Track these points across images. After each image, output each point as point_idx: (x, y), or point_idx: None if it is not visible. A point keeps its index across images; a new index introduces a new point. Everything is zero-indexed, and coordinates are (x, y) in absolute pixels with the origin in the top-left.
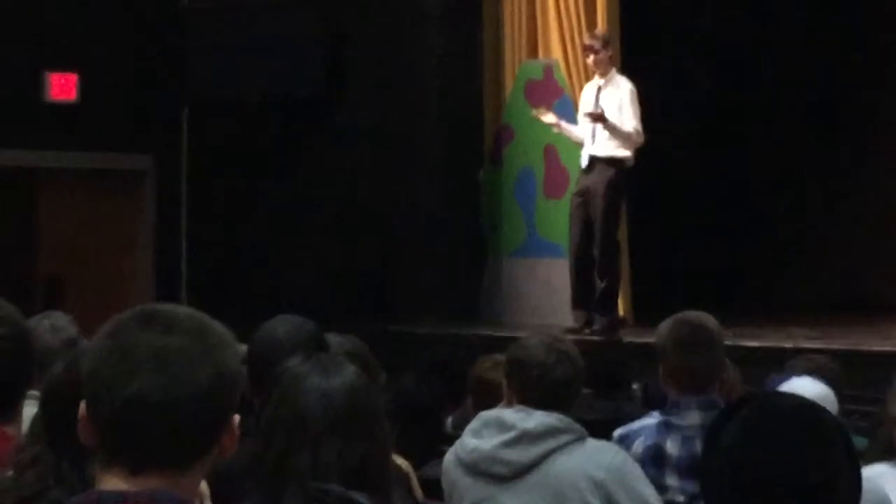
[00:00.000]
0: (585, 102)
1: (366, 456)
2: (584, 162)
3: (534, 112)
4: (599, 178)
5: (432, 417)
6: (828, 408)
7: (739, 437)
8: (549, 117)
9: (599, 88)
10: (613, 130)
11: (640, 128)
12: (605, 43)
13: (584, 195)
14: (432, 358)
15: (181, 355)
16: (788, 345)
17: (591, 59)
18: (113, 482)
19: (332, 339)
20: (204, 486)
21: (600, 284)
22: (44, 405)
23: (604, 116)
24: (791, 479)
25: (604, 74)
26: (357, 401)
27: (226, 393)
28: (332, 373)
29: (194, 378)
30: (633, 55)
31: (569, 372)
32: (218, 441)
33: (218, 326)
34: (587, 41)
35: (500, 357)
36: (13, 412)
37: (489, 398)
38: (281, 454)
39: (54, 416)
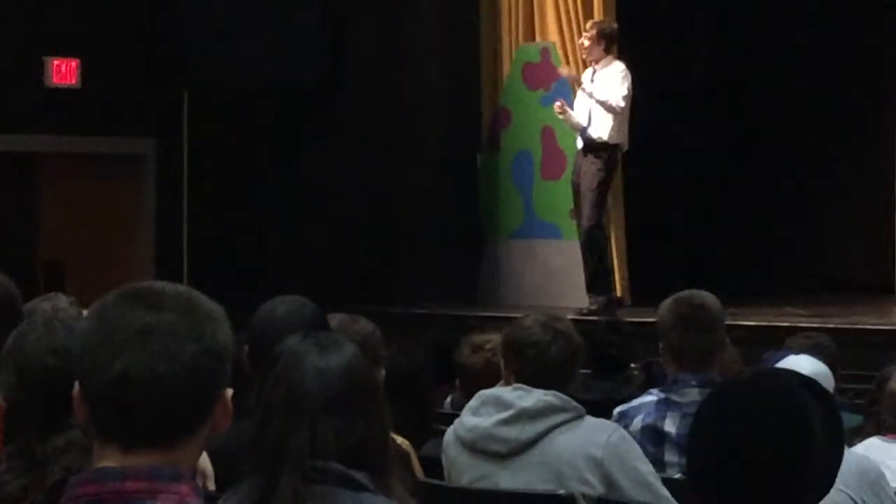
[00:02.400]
0: (584, 86)
1: (365, 435)
2: (579, 144)
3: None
4: (590, 162)
5: (416, 391)
6: (824, 384)
7: (708, 414)
8: (558, 106)
9: (595, 71)
10: (599, 101)
11: (623, 104)
12: (601, 34)
13: (577, 177)
14: (430, 339)
15: (166, 332)
16: (784, 323)
17: (581, 41)
18: (109, 461)
19: (341, 317)
20: (208, 466)
21: (588, 266)
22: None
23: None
24: (751, 452)
25: (597, 61)
26: (355, 379)
27: (214, 368)
28: (330, 351)
29: (179, 354)
30: (630, 38)
31: (564, 351)
32: (210, 416)
33: (206, 302)
34: (585, 26)
35: (477, 338)
36: None
37: (472, 382)
38: (279, 433)
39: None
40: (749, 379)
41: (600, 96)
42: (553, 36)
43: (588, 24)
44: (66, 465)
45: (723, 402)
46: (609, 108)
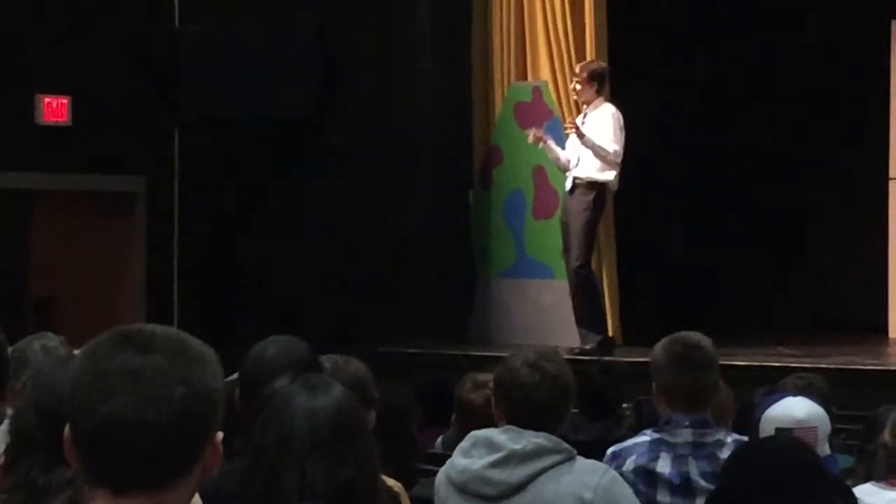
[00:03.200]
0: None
1: (354, 475)
2: (568, 185)
3: (529, 135)
4: (578, 201)
5: (401, 430)
6: (821, 425)
7: (732, 475)
8: (534, 135)
9: (586, 114)
10: (592, 146)
11: (617, 149)
12: (592, 76)
13: (565, 217)
14: (423, 378)
15: (155, 374)
16: (777, 363)
17: (573, 85)
18: (100, 503)
19: (335, 359)
20: None
21: (581, 307)
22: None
23: (579, 129)
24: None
25: (588, 102)
26: (344, 420)
27: (203, 411)
28: (318, 392)
29: (167, 397)
30: (622, 72)
31: (553, 392)
32: (201, 459)
33: (197, 344)
34: (576, 69)
35: (481, 376)
36: None
37: (471, 419)
38: (269, 474)
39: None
40: (769, 443)
41: (594, 142)
42: (545, 74)
43: (578, 68)
44: (70, 498)
45: (746, 463)
46: (601, 153)
